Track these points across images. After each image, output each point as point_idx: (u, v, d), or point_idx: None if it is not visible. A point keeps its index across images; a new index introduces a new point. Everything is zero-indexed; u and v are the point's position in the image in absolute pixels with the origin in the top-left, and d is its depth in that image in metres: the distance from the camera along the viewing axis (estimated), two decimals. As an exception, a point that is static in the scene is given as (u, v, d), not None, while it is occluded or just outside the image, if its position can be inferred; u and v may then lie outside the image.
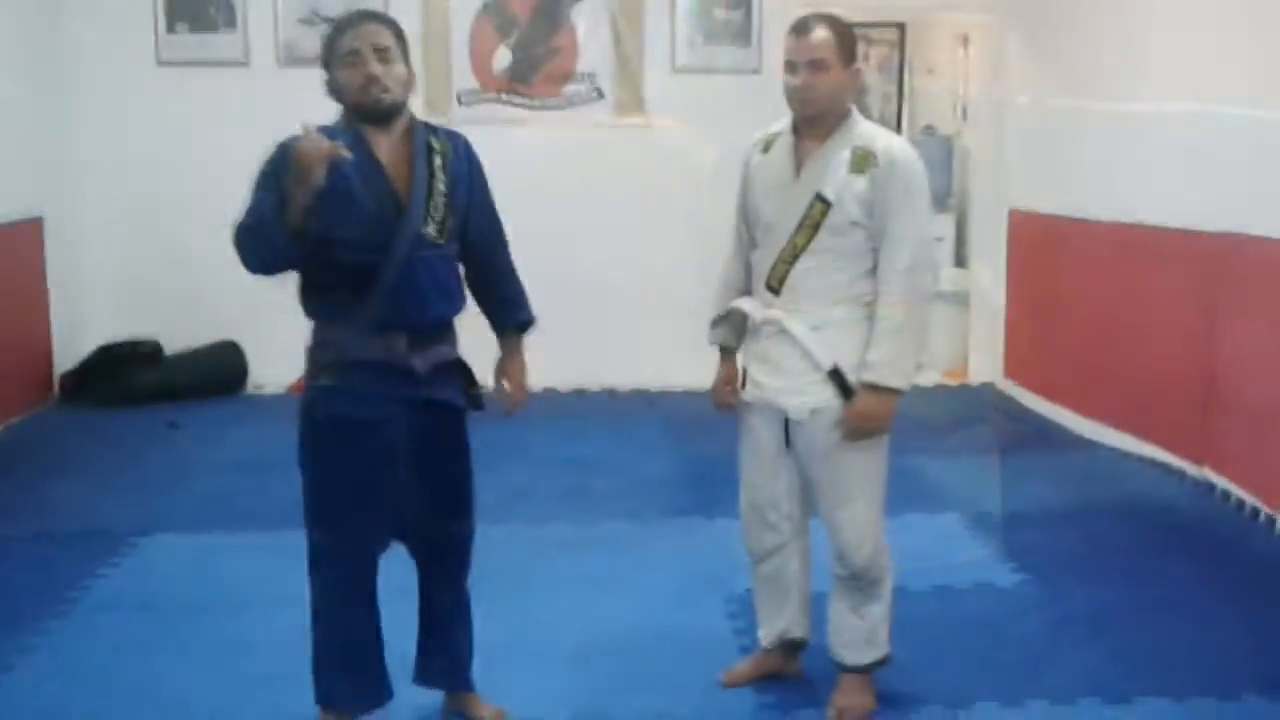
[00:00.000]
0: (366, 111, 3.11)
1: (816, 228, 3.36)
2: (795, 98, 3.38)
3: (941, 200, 8.97)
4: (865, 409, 3.36)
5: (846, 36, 3.38)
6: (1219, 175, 5.53)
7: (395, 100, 3.12)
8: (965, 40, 8.89)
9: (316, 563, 3.26)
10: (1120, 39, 6.43)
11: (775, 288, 3.45)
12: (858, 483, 3.47)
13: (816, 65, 3.32)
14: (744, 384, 3.61)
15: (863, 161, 3.34)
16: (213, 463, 6.16)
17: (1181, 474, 5.86)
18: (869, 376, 3.34)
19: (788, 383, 3.44)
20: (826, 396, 3.40)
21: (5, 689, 3.71)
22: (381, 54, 3.09)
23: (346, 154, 2.96)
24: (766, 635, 3.75)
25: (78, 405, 7.29)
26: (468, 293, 3.37)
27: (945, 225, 8.85)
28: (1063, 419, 6.98)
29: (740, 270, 3.64)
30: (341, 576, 3.25)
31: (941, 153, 9.03)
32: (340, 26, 3.15)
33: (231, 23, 7.67)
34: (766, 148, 3.54)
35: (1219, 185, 5.54)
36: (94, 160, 7.62)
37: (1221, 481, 5.59)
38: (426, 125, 3.25)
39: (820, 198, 3.35)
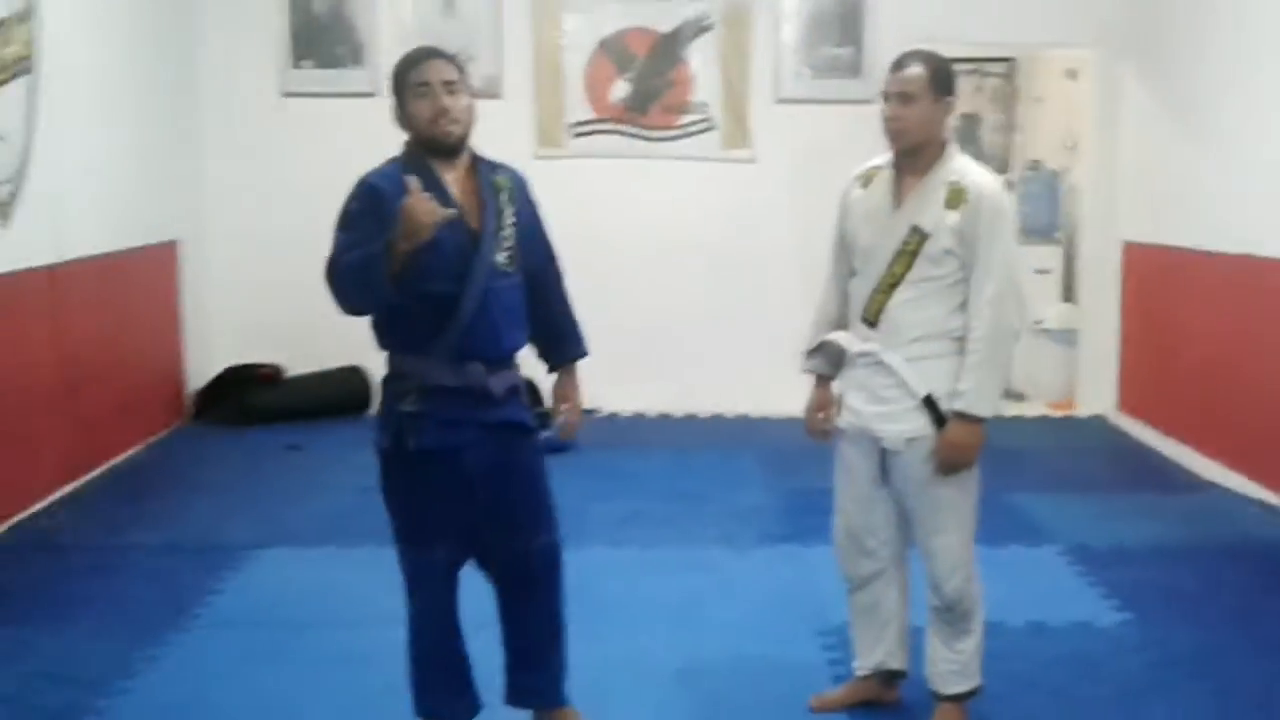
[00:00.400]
0: (435, 143, 3.25)
1: (914, 256, 3.47)
2: (888, 128, 3.52)
3: (1048, 234, 8.94)
4: (955, 438, 3.45)
5: (940, 71, 3.50)
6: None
7: (463, 132, 3.27)
8: (1074, 74, 8.86)
9: (409, 582, 3.40)
10: (1236, 68, 6.39)
11: (871, 320, 3.55)
12: (949, 513, 3.56)
13: (906, 98, 3.46)
14: (840, 412, 3.70)
15: (956, 198, 3.46)
16: (332, 483, 6.35)
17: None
18: (958, 405, 3.44)
19: (883, 410, 3.54)
20: (921, 425, 3.49)
21: (131, 695, 3.91)
22: (449, 86, 3.24)
23: (452, 214, 3.11)
24: (863, 664, 3.81)
25: (206, 425, 7.59)
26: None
27: (1053, 258, 8.82)
28: (1177, 455, 6.92)
29: (835, 302, 3.74)
30: (428, 594, 3.39)
31: (1048, 187, 9.02)
32: (409, 61, 3.29)
33: (360, 60, 7.94)
34: (866, 182, 3.66)
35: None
36: (224, 187, 7.95)
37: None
38: (485, 160, 3.39)
39: (917, 229, 3.47)
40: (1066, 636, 4.45)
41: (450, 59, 3.30)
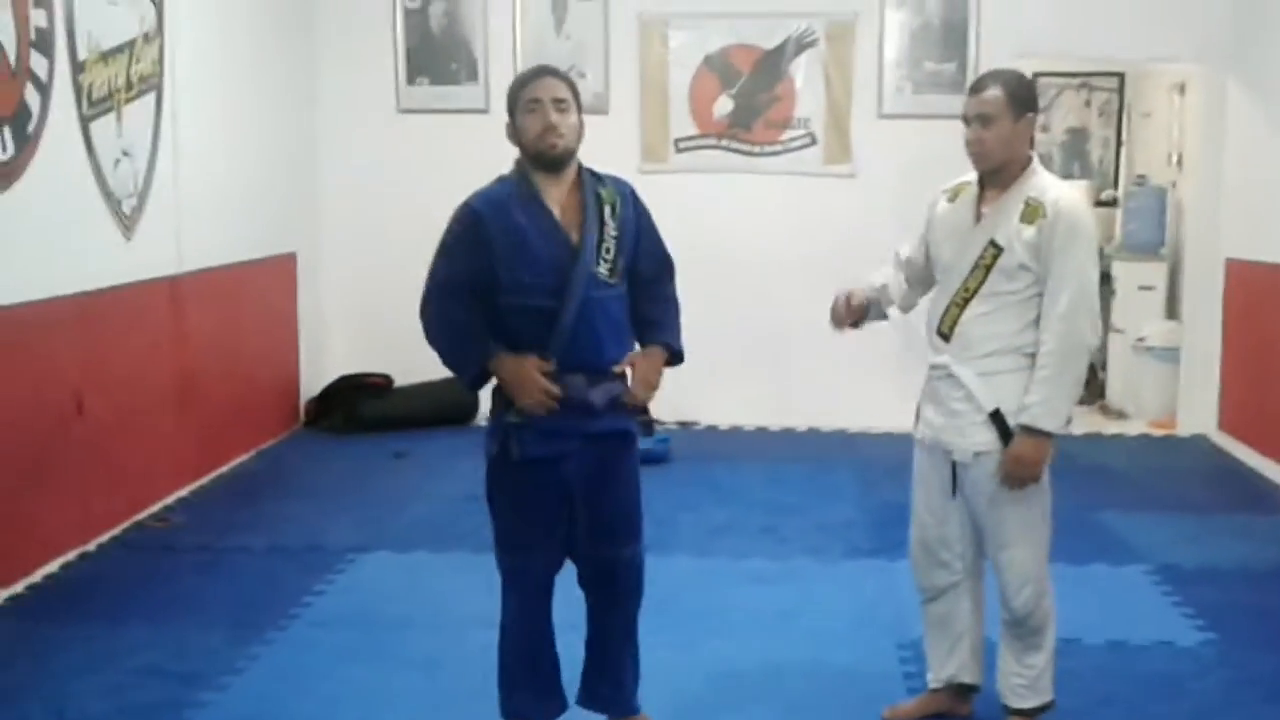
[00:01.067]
0: (542, 157, 3.40)
1: (988, 270, 3.55)
2: (969, 150, 3.61)
3: (1153, 250, 8.86)
4: (1020, 452, 3.51)
5: (1019, 90, 3.58)
6: None
7: (568, 147, 3.41)
8: (1181, 89, 8.78)
9: (507, 586, 3.55)
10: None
11: (946, 334, 3.63)
12: (1017, 527, 3.61)
13: (984, 120, 3.54)
14: (917, 422, 3.78)
15: (1033, 213, 3.52)
16: (432, 491, 6.56)
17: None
18: (1024, 418, 3.50)
19: (954, 423, 3.61)
20: (989, 439, 3.55)
21: (230, 691, 4.11)
22: (559, 104, 3.39)
23: (555, 408, 3.34)
24: (936, 677, 3.87)
25: (318, 432, 7.86)
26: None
27: (1158, 275, 8.74)
28: (1276, 475, 6.84)
29: (887, 278, 3.86)
30: (525, 598, 3.53)
31: (1155, 202, 8.92)
32: (523, 79, 3.47)
33: (474, 76, 8.17)
34: (954, 196, 3.75)
35: None
36: (341, 201, 8.23)
37: None
38: (594, 174, 3.52)
39: (993, 243, 3.55)
40: (1146, 655, 4.47)
41: (563, 77, 3.47)
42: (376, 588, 5.09)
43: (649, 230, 3.58)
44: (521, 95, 3.41)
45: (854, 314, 3.86)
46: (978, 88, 3.58)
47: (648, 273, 3.57)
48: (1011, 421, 3.53)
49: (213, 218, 6.70)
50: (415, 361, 8.04)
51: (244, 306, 7.22)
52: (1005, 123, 3.54)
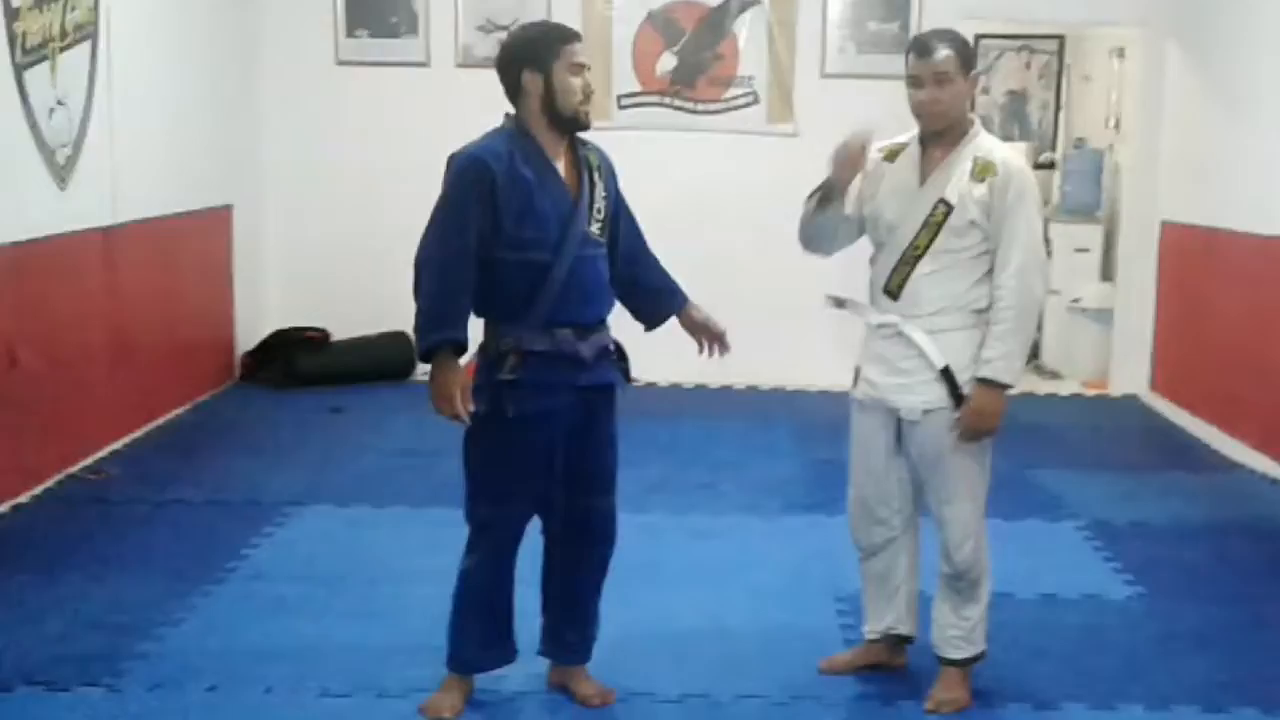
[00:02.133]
0: (574, 121, 3.43)
1: (939, 228, 3.58)
2: (925, 111, 3.61)
3: (1090, 212, 8.96)
4: (980, 405, 3.56)
5: (965, 48, 3.63)
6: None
7: (591, 115, 3.46)
8: (1121, 53, 8.86)
9: (478, 538, 3.57)
10: (1271, 51, 6.41)
11: (894, 292, 3.65)
12: (962, 483, 3.66)
13: (941, 79, 3.55)
14: (856, 383, 3.81)
15: (984, 170, 3.56)
16: (370, 445, 6.53)
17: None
18: (984, 372, 3.54)
19: (902, 381, 3.64)
20: (938, 396, 3.59)
21: (168, 641, 4.08)
22: (589, 71, 3.44)
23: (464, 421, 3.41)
24: (872, 629, 3.93)
25: (254, 386, 7.80)
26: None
27: (1094, 238, 8.85)
28: (1206, 435, 6.97)
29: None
30: (498, 548, 3.56)
31: (1092, 165, 9.02)
32: (559, 36, 3.45)
33: (413, 29, 8.10)
34: (891, 157, 3.75)
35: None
36: (279, 154, 8.15)
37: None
38: (578, 138, 3.55)
39: (943, 201, 3.57)
40: (1077, 608, 4.55)
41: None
42: (316, 542, 5.07)
43: (620, 194, 3.65)
44: (564, 53, 3.39)
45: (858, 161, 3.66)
46: (927, 49, 3.57)
47: (630, 232, 3.64)
48: (962, 379, 3.57)
49: (148, 169, 6.60)
50: (353, 316, 8.15)
51: (179, 258, 7.12)
52: (960, 82, 3.58)
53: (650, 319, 3.79)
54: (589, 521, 3.63)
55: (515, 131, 3.46)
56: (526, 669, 3.78)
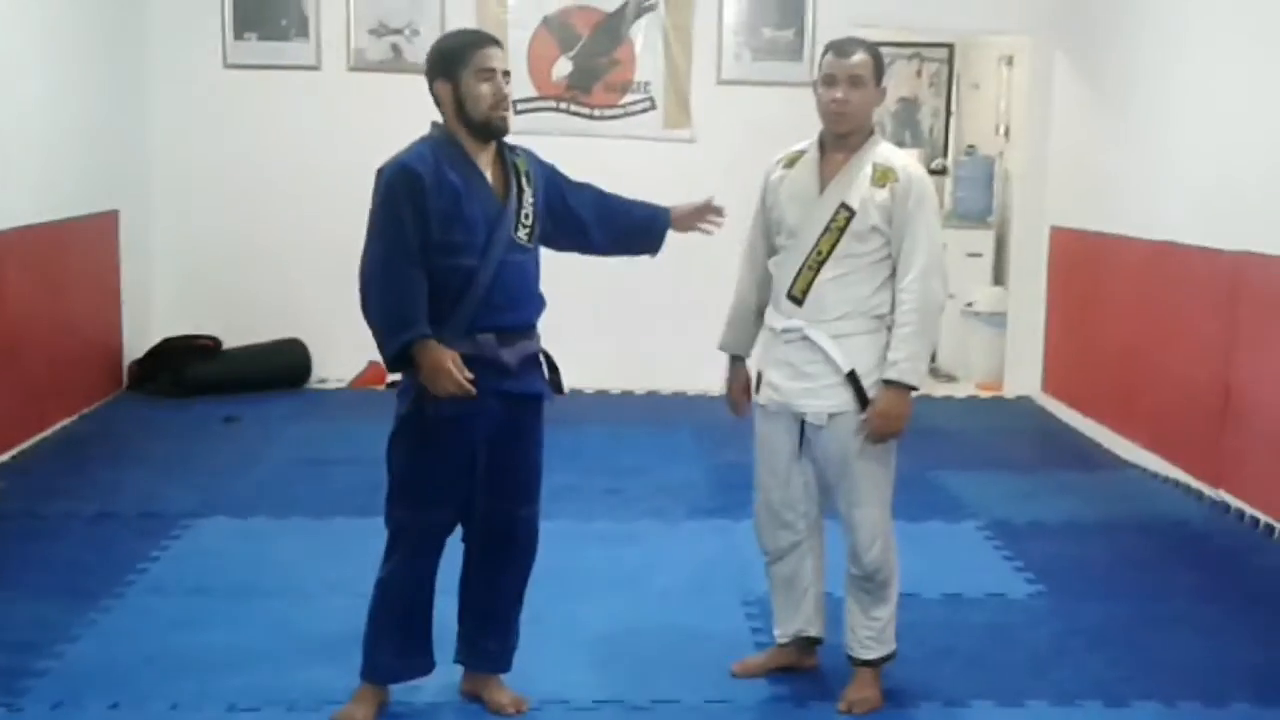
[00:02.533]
0: (488, 128, 3.41)
1: (841, 233, 3.60)
2: (833, 110, 3.63)
3: (981, 218, 9.13)
4: (887, 408, 3.59)
5: (879, 58, 3.68)
6: (1241, 195, 5.70)
7: (510, 120, 3.45)
8: (1010, 61, 9.04)
9: (396, 541, 3.52)
10: (1161, 59, 6.58)
11: (798, 298, 3.67)
12: (869, 486, 3.69)
13: (855, 81, 3.60)
14: (759, 388, 3.82)
15: (884, 176, 3.61)
16: (268, 455, 6.41)
17: (1199, 494, 5.99)
18: (890, 374, 3.58)
19: (807, 386, 3.66)
20: (844, 400, 3.62)
21: (68, 659, 3.97)
22: (507, 76, 3.43)
23: (471, 393, 3.32)
24: (783, 632, 3.94)
25: (143, 395, 7.61)
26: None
27: (986, 243, 9.02)
28: (1097, 435, 7.13)
29: (753, 290, 3.89)
30: (419, 555, 3.52)
31: (983, 172, 9.21)
32: (470, 43, 3.44)
33: (304, 33, 7.98)
34: (790, 164, 3.78)
35: (1240, 205, 5.71)
36: (166, 158, 7.99)
37: (1236, 501, 5.72)
38: (507, 144, 3.55)
39: (845, 206, 3.60)
40: (981, 607, 4.62)
41: (503, 47, 3.47)
42: (215, 553, 4.96)
43: (560, 177, 3.68)
44: (472, 60, 3.38)
45: (749, 393, 3.91)
46: (845, 51, 3.62)
47: (587, 201, 3.69)
48: (866, 383, 3.60)
49: (31, 174, 6.43)
50: (245, 323, 8.01)
51: (64, 265, 6.91)
52: (870, 88, 3.63)
53: (652, 249, 3.88)
54: (511, 530, 3.61)
55: (441, 139, 3.44)
56: (442, 679, 3.73)
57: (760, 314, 3.88)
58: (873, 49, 3.67)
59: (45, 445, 6.44)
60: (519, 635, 3.74)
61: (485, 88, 3.37)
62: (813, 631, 3.92)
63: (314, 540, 5.04)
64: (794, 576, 3.87)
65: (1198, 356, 6.09)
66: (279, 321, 8.04)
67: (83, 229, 7.15)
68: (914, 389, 3.62)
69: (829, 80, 3.63)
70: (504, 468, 3.53)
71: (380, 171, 3.40)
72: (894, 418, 3.60)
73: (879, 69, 3.66)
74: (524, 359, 3.51)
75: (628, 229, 3.80)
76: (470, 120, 3.40)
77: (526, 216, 3.48)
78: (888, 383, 3.58)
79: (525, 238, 3.48)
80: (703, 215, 3.88)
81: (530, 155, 3.61)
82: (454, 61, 3.40)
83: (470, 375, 3.33)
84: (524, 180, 3.51)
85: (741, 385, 3.94)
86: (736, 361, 3.97)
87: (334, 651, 3.79)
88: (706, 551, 5.11)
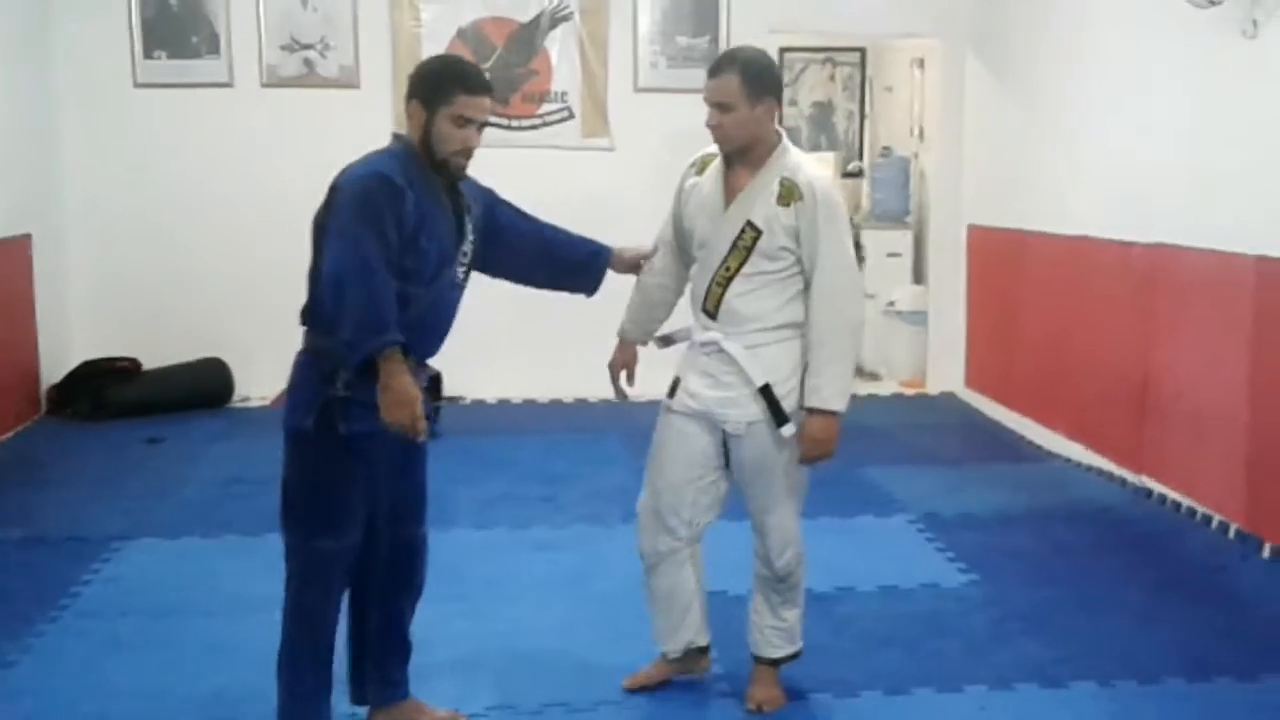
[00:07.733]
0: (444, 168, 3.29)
1: (749, 251, 3.54)
2: (712, 134, 3.57)
3: (899, 218, 9.26)
4: (814, 433, 3.55)
5: (756, 75, 3.50)
6: (1152, 189, 5.84)
7: (466, 169, 3.36)
8: (921, 63, 9.18)
9: (311, 569, 3.32)
10: (1073, 58, 6.73)
11: (711, 312, 3.64)
12: (783, 493, 3.68)
13: (721, 107, 3.49)
14: (674, 393, 3.78)
15: (789, 195, 3.51)
16: (193, 475, 6.33)
17: (1123, 480, 6.13)
18: (813, 401, 3.53)
19: (726, 395, 3.63)
20: (761, 410, 3.59)
21: (6, 685, 3.89)
22: (483, 127, 3.31)
23: (424, 433, 3.21)
24: (672, 648, 3.87)
25: (62, 419, 7.48)
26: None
27: (904, 243, 9.15)
28: (1021, 428, 7.26)
29: (658, 280, 3.84)
30: (333, 581, 3.36)
31: (899, 173, 9.34)
32: (464, 83, 3.26)
33: (215, 50, 7.91)
34: (702, 169, 3.71)
35: (1152, 199, 5.85)
36: (78, 179, 7.87)
37: (1158, 486, 5.87)
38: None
39: (751, 225, 3.53)
40: (917, 598, 4.68)
41: (492, 96, 3.36)
42: (147, 575, 4.88)
43: (498, 203, 3.62)
44: (455, 101, 3.23)
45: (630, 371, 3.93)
46: (714, 71, 3.53)
47: (525, 233, 3.65)
48: (780, 391, 3.56)
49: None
50: (164, 343, 7.90)
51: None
52: (743, 109, 3.48)
53: (589, 288, 3.77)
54: (412, 551, 3.54)
55: (406, 157, 3.29)
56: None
57: (663, 305, 3.87)
58: (749, 66, 3.49)
59: (-36, 473, 6.31)
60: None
61: (457, 134, 3.24)
62: (702, 641, 3.87)
63: (245, 559, 4.97)
64: (674, 591, 3.80)
65: (1116, 348, 6.22)
66: (199, 341, 7.95)
67: (-6, 253, 7.03)
68: (839, 413, 3.56)
69: (706, 101, 3.56)
70: (403, 489, 3.45)
71: (351, 177, 3.20)
72: (822, 442, 3.56)
73: (757, 86, 3.48)
74: (426, 382, 3.46)
75: (567, 267, 3.71)
76: (430, 153, 3.28)
77: (465, 255, 3.41)
78: (811, 411, 3.53)
79: (462, 276, 3.42)
80: (637, 265, 3.81)
81: (474, 189, 3.49)
82: (436, 92, 3.25)
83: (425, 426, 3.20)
84: (467, 218, 3.41)
85: (621, 362, 3.91)
86: (625, 343, 3.92)
87: (259, 672, 3.70)
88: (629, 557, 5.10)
